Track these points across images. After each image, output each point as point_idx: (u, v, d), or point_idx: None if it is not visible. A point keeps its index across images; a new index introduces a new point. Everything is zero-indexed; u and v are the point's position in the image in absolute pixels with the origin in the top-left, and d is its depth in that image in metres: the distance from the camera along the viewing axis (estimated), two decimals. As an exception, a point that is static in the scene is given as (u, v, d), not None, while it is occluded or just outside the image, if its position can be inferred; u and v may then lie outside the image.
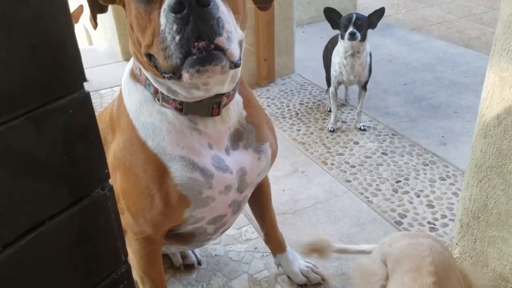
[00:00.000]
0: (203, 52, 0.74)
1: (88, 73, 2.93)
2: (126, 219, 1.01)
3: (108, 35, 3.31)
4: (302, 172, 1.89)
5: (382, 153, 2.00)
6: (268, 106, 2.49)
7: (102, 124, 1.08)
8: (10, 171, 0.53)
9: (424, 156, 1.95)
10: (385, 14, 4.62)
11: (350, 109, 2.39)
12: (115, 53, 3.22)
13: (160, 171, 0.92)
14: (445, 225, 1.57)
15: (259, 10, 0.99)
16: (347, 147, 2.06)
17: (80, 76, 0.57)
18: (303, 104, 2.49)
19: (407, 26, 4.11)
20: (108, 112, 1.06)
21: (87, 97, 0.59)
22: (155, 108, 0.93)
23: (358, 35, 1.96)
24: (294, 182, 1.83)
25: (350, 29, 1.96)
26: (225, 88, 0.91)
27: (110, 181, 1.06)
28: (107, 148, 1.04)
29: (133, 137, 0.94)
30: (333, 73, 2.17)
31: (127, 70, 1.01)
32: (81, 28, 4.66)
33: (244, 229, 1.57)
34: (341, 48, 2.07)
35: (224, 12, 0.76)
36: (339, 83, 2.18)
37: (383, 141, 2.09)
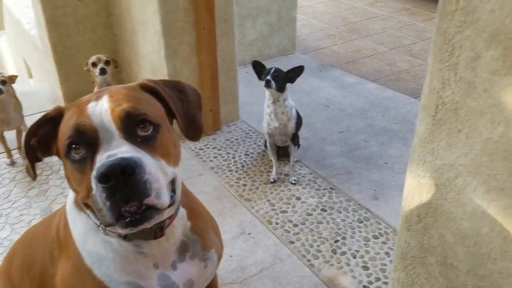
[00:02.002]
0: (134, 215, 0.79)
1: (29, 122, 2.87)
2: None
3: (49, 78, 3.25)
4: (249, 234, 2.01)
5: (322, 210, 2.16)
6: (215, 157, 2.59)
7: (48, 237, 1.10)
8: None
9: (358, 212, 2.14)
10: (322, 46, 4.88)
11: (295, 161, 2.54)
12: (57, 98, 3.18)
13: None
14: None
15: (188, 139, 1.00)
16: (290, 203, 2.21)
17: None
18: (248, 155, 2.62)
19: (342, 58, 4.37)
20: (55, 227, 1.08)
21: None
22: (99, 237, 0.96)
23: (273, 83, 2.17)
24: (241, 245, 1.94)
25: (267, 78, 2.17)
26: (165, 216, 0.93)
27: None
28: (54, 263, 1.06)
29: (80, 264, 0.97)
30: (263, 125, 2.36)
31: (70, 197, 1.03)
32: (22, 62, 4.52)
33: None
34: (266, 99, 2.29)
35: (151, 172, 0.80)
36: (270, 136, 2.34)
37: (322, 196, 2.26)
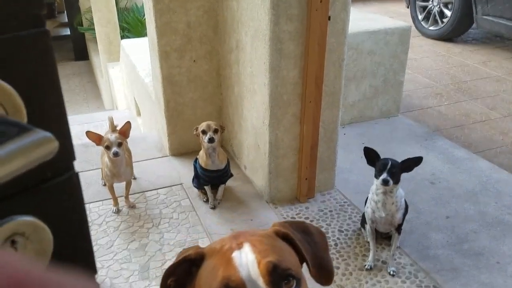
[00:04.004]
0: None
1: (137, 169, 3.05)
2: None
3: (158, 126, 3.46)
4: (340, 330, 1.90)
5: (422, 313, 1.99)
6: (308, 230, 2.52)
7: None
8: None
9: (465, 323, 1.93)
10: (427, 106, 4.65)
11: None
12: (163, 147, 3.36)
13: None
14: None
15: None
16: (386, 299, 2.06)
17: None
18: (343, 231, 2.52)
19: (449, 122, 4.11)
20: None
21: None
22: None
23: (391, 182, 2.05)
24: None
25: (384, 176, 2.05)
26: None
27: None
28: None
29: None
30: (366, 210, 2.23)
31: None
32: (132, 98, 4.89)
33: None
34: (374, 185, 2.18)
35: None
36: (372, 222, 2.22)
37: (424, 295, 2.08)
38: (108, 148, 2.41)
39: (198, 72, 3.02)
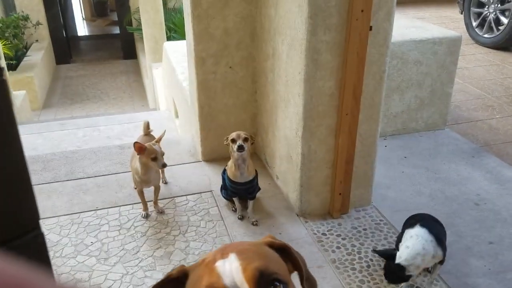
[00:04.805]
0: None
1: (168, 173, 3.05)
2: None
3: (192, 131, 3.45)
4: None
5: None
6: (338, 248, 2.41)
7: None
8: None
9: None
10: (477, 118, 4.40)
11: (426, 273, 2.24)
12: (196, 152, 3.34)
13: None
14: None
15: None
16: (418, 330, 1.92)
17: None
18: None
19: (500, 136, 3.85)
20: None
21: None
22: None
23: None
24: None
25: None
26: None
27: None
28: None
29: None
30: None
31: None
32: (171, 100, 4.93)
33: None
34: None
35: None
36: None
37: (460, 329, 1.92)
38: (155, 159, 2.40)
39: (233, 78, 2.97)
